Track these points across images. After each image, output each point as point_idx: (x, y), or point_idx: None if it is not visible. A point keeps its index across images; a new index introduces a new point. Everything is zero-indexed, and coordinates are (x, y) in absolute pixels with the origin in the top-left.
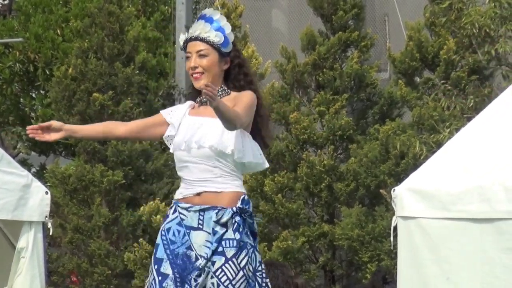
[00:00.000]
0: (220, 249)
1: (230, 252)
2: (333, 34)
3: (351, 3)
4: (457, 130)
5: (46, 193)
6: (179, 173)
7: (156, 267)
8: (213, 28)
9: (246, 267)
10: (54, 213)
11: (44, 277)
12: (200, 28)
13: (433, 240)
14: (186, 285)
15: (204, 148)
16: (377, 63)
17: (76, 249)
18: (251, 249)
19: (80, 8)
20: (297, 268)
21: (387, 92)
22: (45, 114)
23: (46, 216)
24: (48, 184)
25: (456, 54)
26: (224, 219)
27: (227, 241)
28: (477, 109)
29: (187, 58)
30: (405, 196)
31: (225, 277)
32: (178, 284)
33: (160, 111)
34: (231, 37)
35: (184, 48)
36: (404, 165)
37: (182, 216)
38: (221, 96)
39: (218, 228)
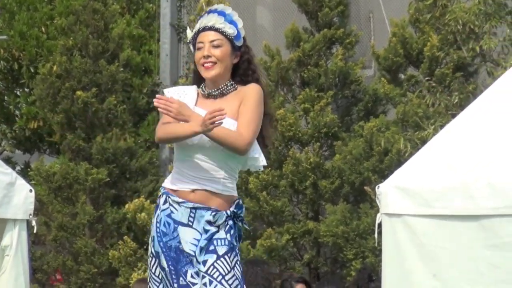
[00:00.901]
0: (211, 247)
1: (222, 250)
2: (317, 31)
3: (336, 0)
4: (441, 127)
5: (30, 191)
6: (178, 163)
7: (156, 261)
8: (226, 21)
9: (236, 267)
10: (39, 211)
11: (29, 275)
12: (214, 19)
13: (418, 237)
14: (180, 278)
15: (218, 148)
16: (362, 60)
17: (60, 247)
18: (238, 254)
19: (64, 6)
20: (282, 265)
21: (372, 89)
22: (29, 112)
23: (30, 214)
24: (33, 182)
25: (440, 51)
26: (219, 222)
27: (219, 240)
28: (462, 105)
29: (198, 49)
30: (390, 193)
31: (217, 273)
32: (173, 277)
33: (166, 93)
34: (243, 32)
35: (194, 40)
36: (388, 162)
37: (172, 209)
38: (230, 90)
39: (210, 227)
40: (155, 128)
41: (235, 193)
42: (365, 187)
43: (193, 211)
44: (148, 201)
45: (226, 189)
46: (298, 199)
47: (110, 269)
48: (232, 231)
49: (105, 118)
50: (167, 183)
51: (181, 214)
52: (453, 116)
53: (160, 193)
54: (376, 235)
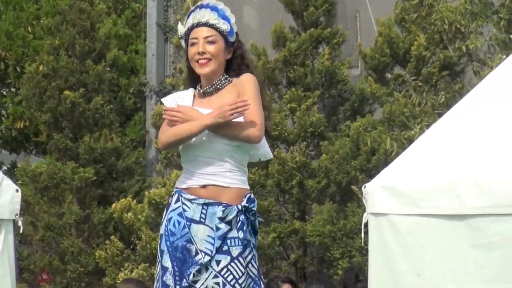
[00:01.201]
0: (225, 248)
1: (235, 251)
2: (304, 30)
3: (322, 0)
4: (428, 126)
5: (17, 191)
6: (185, 164)
7: (159, 259)
8: (220, 16)
9: (249, 265)
10: (25, 211)
11: (15, 275)
12: (207, 15)
13: (404, 236)
14: (184, 280)
15: (220, 142)
16: (348, 59)
17: (47, 246)
18: (254, 248)
19: (51, 6)
20: (268, 264)
21: (358, 88)
22: (16, 112)
23: (17, 214)
24: (19, 182)
25: (427, 50)
26: (229, 217)
27: (232, 240)
28: (448, 105)
29: (192, 44)
30: (376, 192)
31: (231, 276)
32: (177, 278)
33: (165, 103)
34: (235, 28)
35: (186, 35)
36: (375, 161)
37: (185, 207)
38: (224, 84)
39: (222, 225)
40: (141, 128)
41: (246, 186)
42: (352, 187)
43: (205, 207)
44: (135, 201)
45: (234, 182)
46: (284, 198)
47: (97, 269)
48: (244, 227)
49: (92, 118)
50: (179, 182)
51: (193, 211)
52: (440, 115)
53: (172, 193)
54: (362, 235)
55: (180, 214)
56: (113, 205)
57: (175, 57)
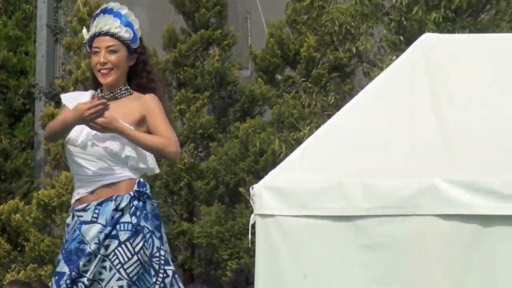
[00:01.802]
0: (114, 232)
1: (124, 236)
2: (194, 31)
3: (213, 1)
4: (317, 127)
5: None
6: (72, 169)
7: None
8: (122, 24)
9: (141, 252)
10: None
11: None
12: (110, 23)
13: (291, 238)
14: (83, 277)
15: (98, 147)
16: (239, 60)
17: None
18: (148, 234)
19: None
20: None
21: (249, 90)
22: None
23: None
24: None
25: (317, 52)
26: (122, 205)
27: (122, 225)
28: (338, 106)
29: (94, 53)
30: (263, 193)
31: (117, 261)
32: (76, 278)
33: (63, 99)
34: (139, 33)
35: (90, 42)
36: (263, 162)
37: (81, 218)
38: (124, 95)
39: (114, 213)
40: (30, 129)
41: (133, 175)
42: (240, 188)
43: (98, 207)
44: (23, 202)
45: (123, 174)
46: (173, 200)
47: None
48: (138, 212)
49: None
50: (72, 199)
51: (86, 215)
52: (329, 116)
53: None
54: (249, 236)
55: (78, 224)
56: (1, 207)
57: (65, 59)
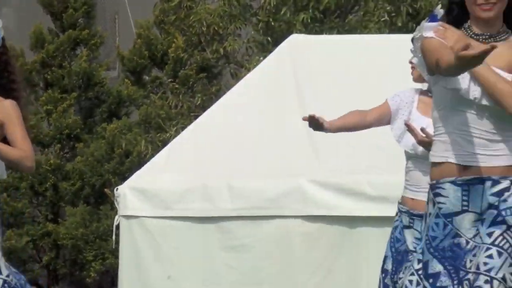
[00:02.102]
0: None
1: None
2: (62, 32)
3: (81, 1)
4: (183, 128)
5: None
6: None
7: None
8: None
9: None
10: None
11: None
12: None
13: (155, 239)
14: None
15: None
16: (107, 61)
17: None
18: None
19: None
20: (20, 267)
21: (116, 90)
22: None
23: None
24: None
25: (184, 52)
26: None
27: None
28: (205, 107)
29: None
30: (128, 195)
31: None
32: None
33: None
34: (2, 33)
35: None
36: (129, 164)
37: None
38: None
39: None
40: None
41: None
42: (105, 189)
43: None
44: None
45: None
46: (38, 200)
47: None
48: None
49: None
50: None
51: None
52: (196, 117)
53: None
54: (114, 237)
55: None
56: None
57: None
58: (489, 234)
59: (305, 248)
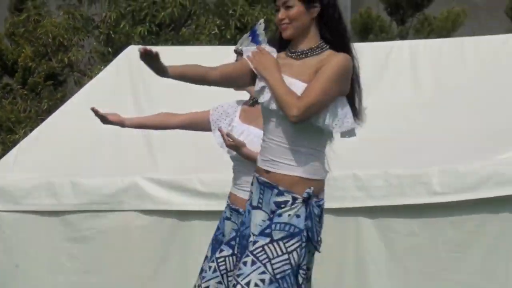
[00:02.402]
0: None
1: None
2: None
3: None
4: (31, 130)
5: None
6: None
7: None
8: None
9: None
10: None
11: None
12: None
13: (5, 231)
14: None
15: None
16: None
17: None
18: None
19: None
20: None
21: None
22: None
23: None
24: None
25: (33, 62)
26: None
27: None
28: (51, 111)
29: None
30: None
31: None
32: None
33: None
34: None
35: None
36: None
37: None
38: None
39: None
40: None
41: None
42: None
43: None
44: None
45: None
46: None
47: None
48: None
49: None
50: None
51: None
52: (42, 121)
53: None
54: None
55: None
56: None
57: None
58: (254, 243)
59: (141, 239)
